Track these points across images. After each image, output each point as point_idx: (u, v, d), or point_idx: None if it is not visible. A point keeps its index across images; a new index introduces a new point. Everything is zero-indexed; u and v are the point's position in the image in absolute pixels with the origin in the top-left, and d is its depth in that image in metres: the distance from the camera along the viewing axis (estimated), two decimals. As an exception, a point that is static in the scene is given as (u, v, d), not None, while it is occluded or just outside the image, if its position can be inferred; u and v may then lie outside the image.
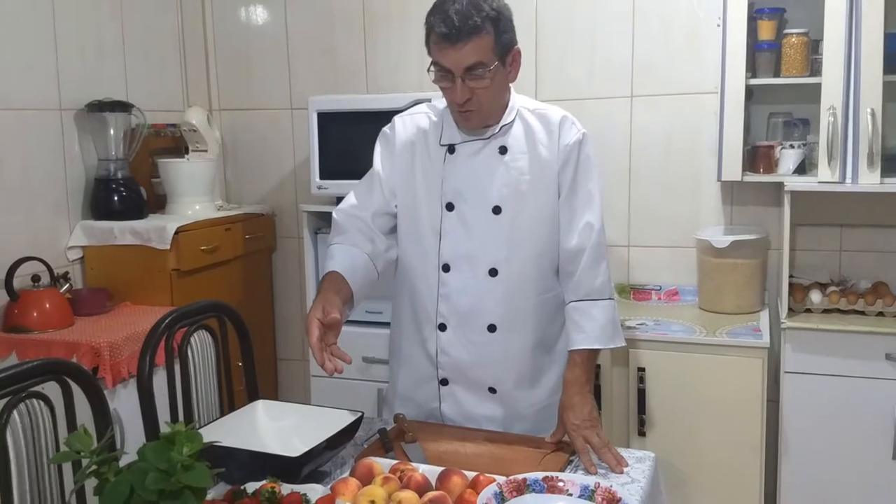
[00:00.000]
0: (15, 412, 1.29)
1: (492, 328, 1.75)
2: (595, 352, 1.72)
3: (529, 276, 1.75)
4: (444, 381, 1.81)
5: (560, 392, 1.75)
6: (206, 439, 1.50)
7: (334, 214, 1.82)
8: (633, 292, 2.96)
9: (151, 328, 1.69)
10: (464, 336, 1.76)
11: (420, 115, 1.81)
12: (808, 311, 2.56)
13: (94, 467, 1.09)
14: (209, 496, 1.34)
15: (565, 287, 1.76)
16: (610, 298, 1.74)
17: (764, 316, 2.67)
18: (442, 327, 1.77)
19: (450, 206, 1.74)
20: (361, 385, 2.82)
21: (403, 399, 1.86)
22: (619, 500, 1.34)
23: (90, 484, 1.13)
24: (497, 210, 1.72)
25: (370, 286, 1.76)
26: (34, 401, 1.33)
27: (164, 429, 1.13)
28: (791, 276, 2.62)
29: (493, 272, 1.73)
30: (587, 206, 1.73)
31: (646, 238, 2.96)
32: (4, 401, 1.29)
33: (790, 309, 2.54)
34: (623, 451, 1.63)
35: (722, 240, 2.66)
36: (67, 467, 1.35)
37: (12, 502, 1.27)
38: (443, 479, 1.44)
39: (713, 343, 2.45)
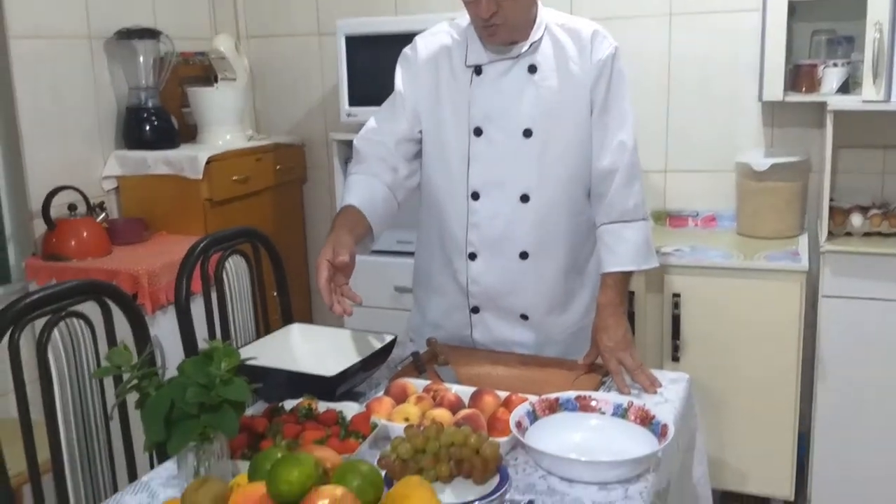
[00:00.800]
0: (56, 330, 1.32)
1: (524, 255, 1.73)
2: (628, 274, 1.69)
3: (562, 201, 1.71)
4: (475, 310, 1.79)
5: (591, 315, 1.74)
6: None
7: (355, 141, 1.78)
8: (669, 219, 2.91)
9: (187, 252, 1.71)
10: (495, 264, 1.74)
11: (442, 35, 1.75)
12: (849, 234, 2.50)
13: (135, 382, 1.11)
14: (248, 413, 1.36)
15: (597, 209, 1.72)
16: (643, 219, 1.70)
17: (803, 240, 2.62)
18: (472, 256, 1.74)
19: (478, 131, 1.69)
20: (393, 314, 2.83)
21: (434, 327, 1.85)
22: (653, 417, 1.34)
23: (131, 399, 1.16)
24: (528, 133, 1.67)
25: (390, 218, 1.73)
26: (74, 320, 1.36)
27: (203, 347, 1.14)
28: (832, 200, 2.55)
29: (524, 198, 1.70)
30: (620, 124, 1.68)
31: (683, 163, 2.90)
32: (45, 319, 1.32)
33: (830, 232, 2.48)
34: (657, 373, 1.63)
35: (762, 162, 2.59)
36: (109, 384, 1.38)
37: (56, 418, 1.31)
38: (475, 398, 1.45)
39: (750, 268, 2.42)
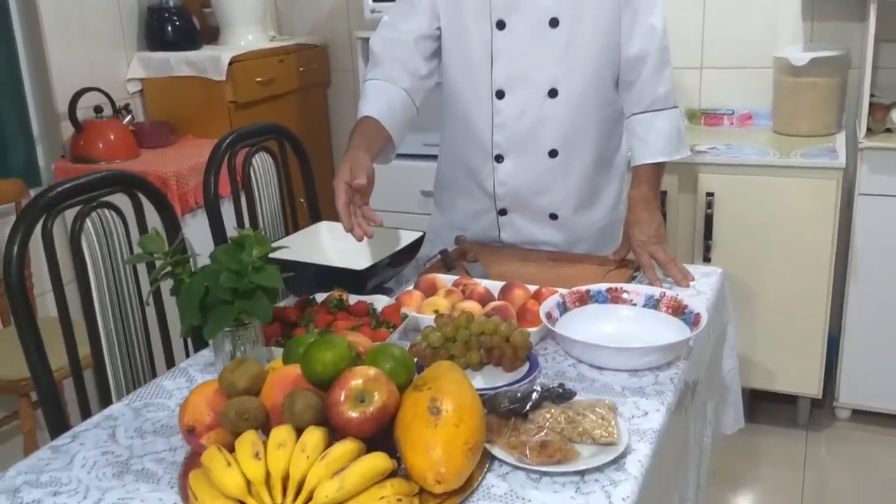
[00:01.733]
0: (88, 220, 1.33)
1: (553, 153, 1.68)
2: (661, 165, 1.65)
3: (590, 93, 1.65)
4: (502, 212, 1.77)
5: (620, 209, 1.72)
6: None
7: (371, 41, 1.70)
8: (704, 117, 2.84)
9: (214, 146, 1.70)
10: (523, 165, 1.69)
11: None
12: (889, 130, 2.43)
13: (168, 268, 1.12)
14: (280, 305, 1.37)
15: (626, 98, 1.66)
16: (674, 107, 1.65)
17: (840, 138, 2.55)
18: (499, 158, 1.69)
19: (500, 24, 1.60)
20: (420, 219, 2.79)
21: (460, 230, 1.83)
22: (686, 307, 1.33)
23: (165, 290, 1.17)
24: (554, 22, 1.59)
25: (409, 125, 1.67)
26: (106, 210, 1.36)
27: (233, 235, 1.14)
28: (872, 95, 2.46)
29: (552, 93, 1.63)
30: (650, 6, 1.60)
31: (719, 59, 2.81)
32: (77, 209, 1.32)
33: (869, 129, 2.41)
34: (690, 268, 1.61)
35: (801, 57, 2.50)
36: (143, 275, 1.40)
37: (92, 306, 1.33)
38: (505, 291, 1.45)
39: (786, 165, 2.37)
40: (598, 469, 0.99)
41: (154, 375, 1.45)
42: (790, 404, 2.67)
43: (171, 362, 1.49)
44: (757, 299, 2.49)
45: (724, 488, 2.39)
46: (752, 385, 2.58)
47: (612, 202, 1.78)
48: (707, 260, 2.49)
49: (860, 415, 2.65)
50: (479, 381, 1.23)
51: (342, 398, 0.96)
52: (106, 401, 1.37)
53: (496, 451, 1.02)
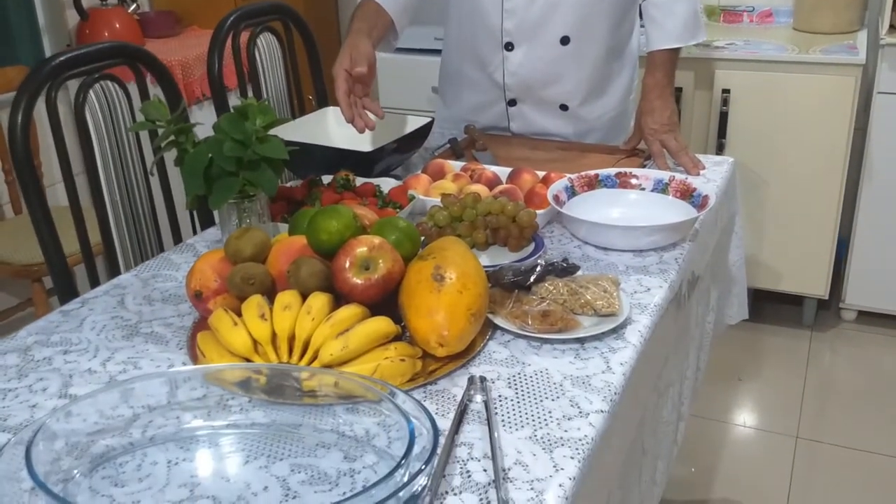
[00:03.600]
0: (91, 92, 1.32)
1: (564, 41, 1.64)
2: (677, 52, 1.61)
3: None
4: (512, 102, 1.74)
5: (631, 98, 1.69)
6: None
7: None
8: (723, 14, 2.76)
9: (217, 25, 1.66)
10: (534, 53, 1.65)
11: None
12: (914, 27, 2.36)
13: (171, 137, 1.11)
14: (287, 185, 1.37)
15: None
16: None
17: (862, 36, 2.48)
18: (509, 46, 1.65)
19: None
20: (431, 116, 2.77)
21: (468, 122, 1.80)
22: (694, 189, 1.32)
23: (170, 158, 1.17)
24: None
25: (414, 10, 1.61)
26: (109, 82, 1.35)
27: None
28: (899, -10, 2.38)
29: None
30: None
31: (740, -48, 2.71)
32: (80, 80, 1.31)
33: (891, 26, 2.33)
34: (702, 157, 1.59)
35: (826, -52, 2.40)
36: (147, 147, 1.39)
37: (97, 175, 1.33)
38: (513, 176, 1.44)
39: (805, 61, 2.31)
40: (598, 337, 1.01)
41: (162, 251, 1.47)
42: (795, 305, 2.69)
43: (178, 240, 1.50)
44: (768, 199, 2.47)
45: (724, 385, 2.43)
46: (757, 285, 2.59)
47: (623, 92, 1.75)
48: (719, 159, 2.46)
49: (866, 316, 2.67)
50: (485, 259, 1.23)
51: (347, 265, 0.97)
52: (115, 273, 1.39)
53: (498, 320, 1.03)
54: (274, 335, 0.94)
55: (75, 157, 1.34)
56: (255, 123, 1.10)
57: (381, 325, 0.94)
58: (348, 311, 0.95)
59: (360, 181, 1.42)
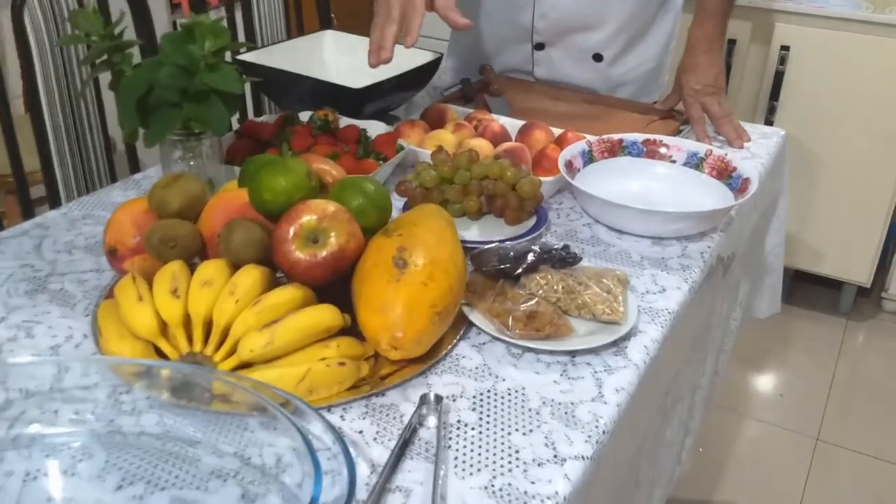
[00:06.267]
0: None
1: (605, -24, 1.41)
2: (731, 2, 1.37)
3: None
4: (539, 46, 1.51)
5: (669, 49, 1.46)
6: (256, 61, 1.33)
7: None
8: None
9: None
10: None
11: None
12: None
13: (105, 56, 0.92)
14: (258, 119, 1.18)
15: None
16: None
17: (951, -4, 2.18)
18: None
19: None
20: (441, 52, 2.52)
21: (485, 62, 1.57)
22: (733, 170, 1.10)
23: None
24: None
25: None
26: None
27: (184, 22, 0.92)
28: None
29: None
30: None
31: None
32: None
33: None
34: (747, 126, 1.37)
35: None
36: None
37: (38, 93, 1.14)
38: (524, 132, 1.23)
39: (880, 21, 2.03)
40: (593, 351, 0.81)
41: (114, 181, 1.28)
42: (833, 289, 2.47)
43: (137, 171, 1.32)
44: (817, 174, 2.22)
45: (746, 369, 2.24)
46: (795, 265, 2.37)
47: (664, 41, 1.52)
48: (769, 123, 2.21)
49: (908, 309, 2.45)
50: (475, 231, 1.04)
51: (290, 235, 0.78)
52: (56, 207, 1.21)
53: (475, 316, 0.84)
54: (188, 317, 0.76)
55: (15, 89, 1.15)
56: (202, 47, 0.90)
57: (322, 315, 0.76)
58: (282, 295, 0.76)
59: (345, 122, 1.22)
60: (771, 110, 2.20)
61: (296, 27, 1.67)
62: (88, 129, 1.22)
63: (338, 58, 1.49)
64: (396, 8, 1.07)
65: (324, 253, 0.78)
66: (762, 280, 1.49)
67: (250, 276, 0.77)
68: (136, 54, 0.95)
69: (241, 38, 1.53)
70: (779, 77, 2.16)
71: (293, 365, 0.73)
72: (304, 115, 1.22)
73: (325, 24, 1.67)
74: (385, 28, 1.08)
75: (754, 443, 2.04)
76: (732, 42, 2.18)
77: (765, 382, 2.24)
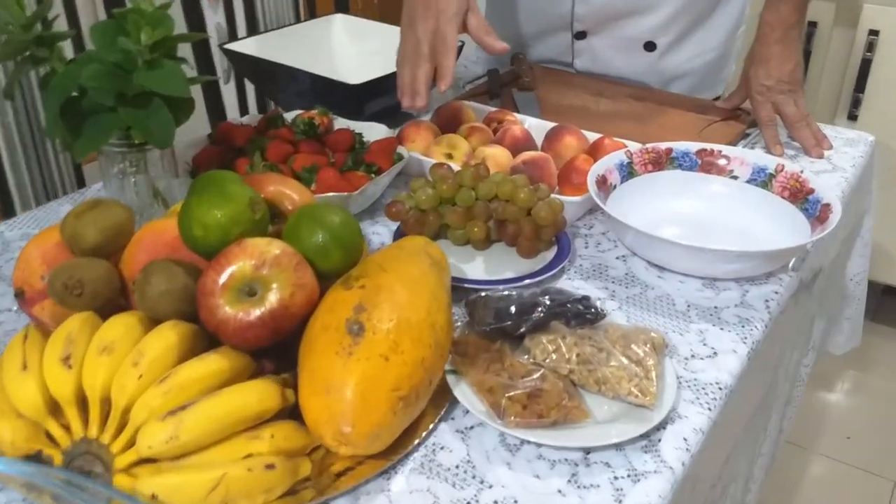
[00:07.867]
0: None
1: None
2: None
3: None
4: (580, 35, 1.30)
5: (735, 36, 1.25)
6: (246, 51, 1.16)
7: None
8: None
9: None
10: None
11: None
12: None
13: (28, 51, 0.75)
14: (239, 121, 1.00)
15: None
16: None
17: None
18: None
19: None
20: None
21: (518, 51, 1.36)
22: (811, 192, 0.88)
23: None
24: None
25: None
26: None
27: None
28: None
29: None
30: None
31: None
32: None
33: None
34: (827, 130, 1.14)
35: None
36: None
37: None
38: (552, 138, 1.03)
39: None
40: (616, 447, 0.62)
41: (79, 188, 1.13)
42: (923, 308, 2.20)
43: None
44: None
45: (813, 397, 1.99)
46: (885, 280, 2.13)
47: (730, 27, 1.29)
48: (853, 118, 1.95)
49: None
50: (479, 264, 0.85)
51: (217, 286, 0.60)
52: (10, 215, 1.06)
53: (461, 389, 0.65)
54: (83, 393, 0.59)
55: None
56: (138, 40, 0.72)
57: (248, 398, 0.58)
58: (200, 369, 0.58)
59: (340, 124, 1.03)
60: (855, 103, 1.93)
61: (306, 10, 1.48)
62: (39, 129, 1.07)
63: (346, 44, 1.31)
64: (425, 43, 0.96)
65: (259, 311, 0.60)
66: (841, 312, 1.26)
67: (162, 340, 0.59)
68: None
69: (242, 23, 1.36)
70: (865, 65, 1.90)
71: (204, 468, 0.55)
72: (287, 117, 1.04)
73: (342, 7, 1.49)
74: (416, 68, 0.96)
75: (820, 481, 1.80)
76: (813, 25, 1.92)
77: (838, 414, 1.99)
